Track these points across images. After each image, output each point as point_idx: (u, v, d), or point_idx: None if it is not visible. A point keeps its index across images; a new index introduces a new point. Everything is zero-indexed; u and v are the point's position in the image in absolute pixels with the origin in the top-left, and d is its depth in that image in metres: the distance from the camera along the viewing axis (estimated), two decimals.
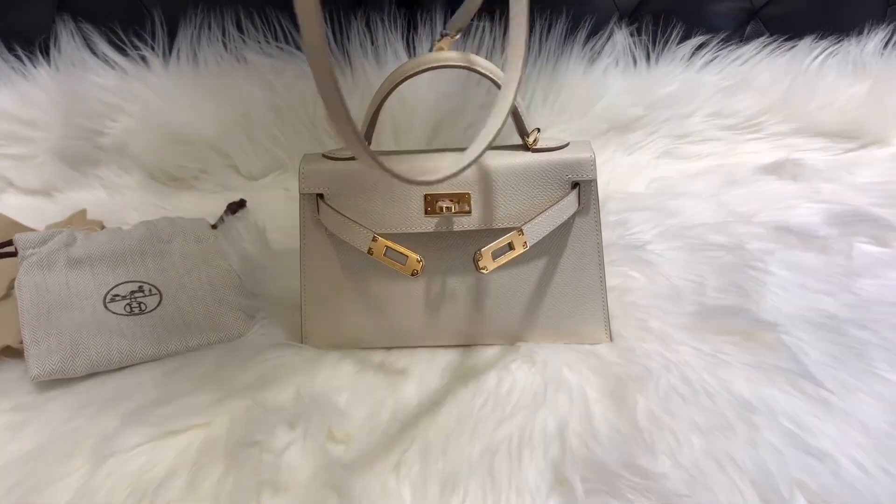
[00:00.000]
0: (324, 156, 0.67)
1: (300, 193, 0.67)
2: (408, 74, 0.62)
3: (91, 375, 0.66)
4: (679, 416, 0.59)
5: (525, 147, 0.66)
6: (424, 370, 0.66)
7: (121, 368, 0.67)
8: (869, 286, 0.73)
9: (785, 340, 0.66)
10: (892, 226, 0.84)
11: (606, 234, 0.70)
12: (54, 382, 0.65)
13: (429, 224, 0.64)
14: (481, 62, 0.62)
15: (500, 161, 0.65)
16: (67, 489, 0.54)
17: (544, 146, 0.66)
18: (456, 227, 0.64)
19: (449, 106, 0.98)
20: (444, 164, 0.58)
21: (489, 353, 0.68)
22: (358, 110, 0.91)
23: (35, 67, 1.06)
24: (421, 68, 0.62)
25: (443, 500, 0.53)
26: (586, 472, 0.54)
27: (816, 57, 1.12)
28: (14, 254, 0.77)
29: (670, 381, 0.62)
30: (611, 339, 0.69)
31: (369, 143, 0.66)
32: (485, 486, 0.54)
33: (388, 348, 0.70)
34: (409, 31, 1.02)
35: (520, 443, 0.57)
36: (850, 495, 0.51)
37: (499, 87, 0.62)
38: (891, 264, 0.77)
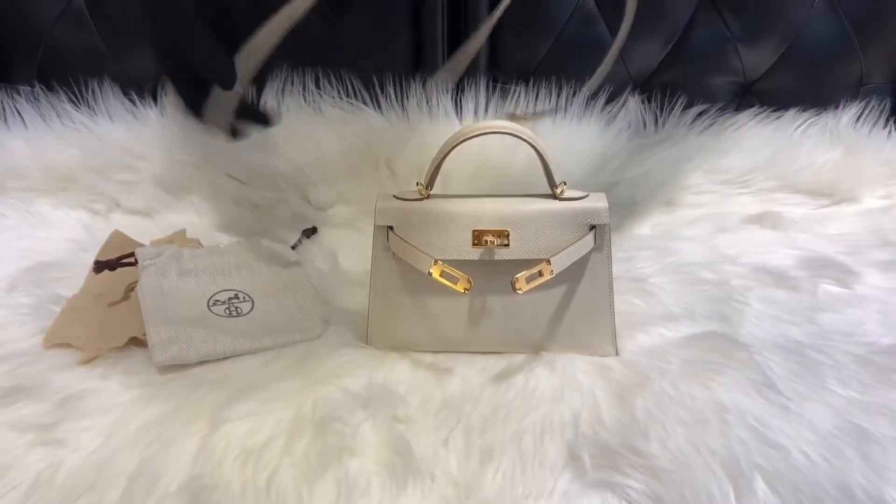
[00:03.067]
0: (394, 196, 0.74)
1: (375, 225, 0.72)
2: (466, 137, 0.68)
3: (201, 363, 0.72)
4: (668, 412, 0.64)
5: (554, 196, 0.72)
6: (466, 370, 0.71)
7: (224, 359, 0.73)
8: (829, 319, 0.78)
9: (756, 359, 0.71)
10: (852, 271, 0.88)
11: (615, 268, 0.73)
12: (172, 367, 0.71)
13: (475, 253, 0.70)
14: (524, 130, 0.69)
15: (534, 206, 0.71)
16: (192, 447, 0.60)
17: (569, 196, 0.72)
18: (496, 257, 0.70)
19: (487, 157, 1.06)
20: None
21: (518, 359, 0.73)
22: (414, 156, 1.03)
23: (144, 109, 1.12)
24: (476, 133, 0.68)
25: (482, 468, 0.59)
26: (594, 452, 0.60)
27: (799, 126, 1.17)
28: (133, 264, 0.84)
29: (663, 385, 0.67)
30: (617, 352, 0.74)
31: (431, 188, 0.73)
32: (514, 459, 0.60)
33: (436, 352, 0.75)
34: (457, 93, 1.10)
35: (542, 428, 0.63)
36: (797, 478, 0.57)
37: (536, 151, 0.70)
38: (849, 302, 0.82)
